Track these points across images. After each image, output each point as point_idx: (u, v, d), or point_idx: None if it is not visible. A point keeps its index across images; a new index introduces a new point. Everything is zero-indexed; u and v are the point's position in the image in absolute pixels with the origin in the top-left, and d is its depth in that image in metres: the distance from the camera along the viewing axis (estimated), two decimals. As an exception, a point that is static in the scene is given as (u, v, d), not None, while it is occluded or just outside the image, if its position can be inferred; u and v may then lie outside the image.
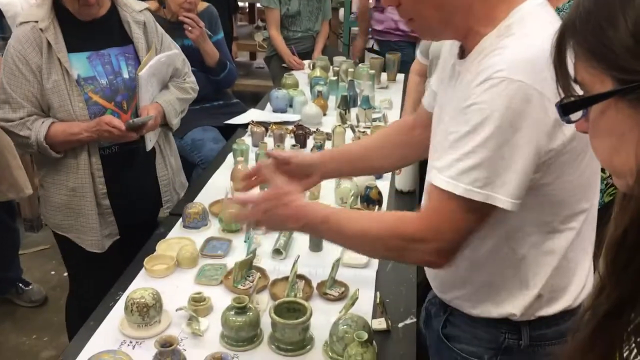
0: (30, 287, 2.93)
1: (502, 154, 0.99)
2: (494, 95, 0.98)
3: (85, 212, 1.95)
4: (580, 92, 0.67)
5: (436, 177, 1.05)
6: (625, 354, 0.62)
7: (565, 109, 0.67)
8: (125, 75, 1.96)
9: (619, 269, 0.62)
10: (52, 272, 3.14)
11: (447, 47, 1.25)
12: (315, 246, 1.78)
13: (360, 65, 3.35)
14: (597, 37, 0.62)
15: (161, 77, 2.07)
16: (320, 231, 1.22)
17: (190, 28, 2.81)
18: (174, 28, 2.81)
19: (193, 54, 2.88)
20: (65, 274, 2.34)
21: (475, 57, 1.07)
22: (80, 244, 1.99)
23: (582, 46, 0.64)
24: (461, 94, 1.06)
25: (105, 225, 2.00)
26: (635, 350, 0.61)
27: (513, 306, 1.15)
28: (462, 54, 1.15)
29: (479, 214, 1.03)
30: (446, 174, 1.03)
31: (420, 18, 1.11)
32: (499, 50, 1.01)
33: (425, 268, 1.29)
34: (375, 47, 4.16)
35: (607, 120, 0.64)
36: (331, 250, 1.76)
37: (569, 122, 0.68)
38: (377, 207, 1.95)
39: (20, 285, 2.91)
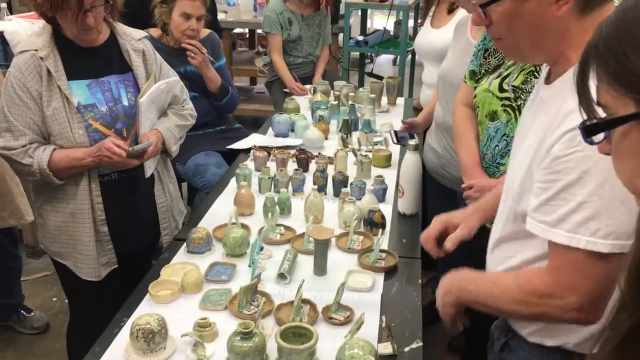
0: (32, 313, 2.91)
1: (619, 200, 0.96)
2: None
3: (83, 239, 1.95)
4: (603, 115, 0.68)
5: (552, 232, 1.03)
6: None
7: (588, 131, 0.68)
8: (125, 103, 1.98)
9: None
10: (54, 299, 3.12)
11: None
12: (320, 270, 1.77)
13: (360, 89, 3.38)
14: (620, 61, 0.63)
15: (160, 104, 2.09)
16: (474, 293, 1.25)
17: (193, 54, 2.84)
18: (177, 54, 2.85)
19: (195, 79, 2.92)
20: (67, 300, 2.34)
21: (563, 84, 1.06)
22: (76, 272, 1.99)
23: (605, 70, 0.65)
24: (547, 124, 1.05)
25: (103, 253, 2.00)
26: None
27: (571, 337, 1.14)
28: (549, 78, 1.14)
29: (609, 261, 0.99)
30: (564, 227, 1.00)
31: (511, 39, 1.10)
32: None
33: None
34: None
35: (629, 142, 0.65)
36: (336, 275, 1.75)
37: (592, 143, 0.69)
38: (380, 230, 1.95)
39: (22, 312, 2.89)
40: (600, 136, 0.68)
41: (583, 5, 1.03)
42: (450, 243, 1.47)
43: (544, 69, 1.19)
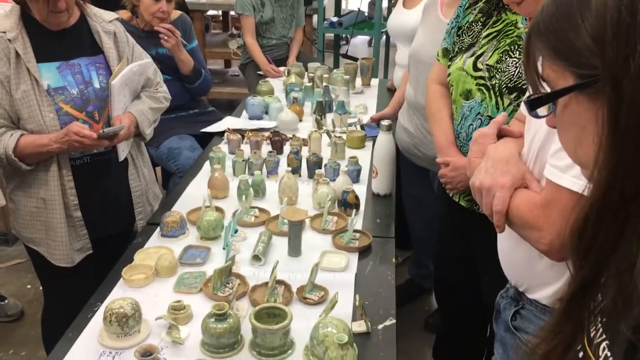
0: (6, 301, 2.88)
1: None
2: None
3: (54, 225, 1.93)
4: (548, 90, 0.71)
5: (559, 176, 1.06)
6: (592, 334, 0.65)
7: (532, 104, 0.72)
8: (97, 85, 1.95)
9: (583, 253, 0.66)
10: (29, 286, 3.09)
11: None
12: (294, 251, 1.78)
13: (334, 70, 3.38)
14: (559, 37, 0.67)
15: (133, 86, 2.07)
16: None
17: (166, 37, 2.81)
18: (148, 37, 2.81)
19: (168, 62, 2.89)
20: (41, 287, 2.31)
21: None
22: (49, 258, 1.97)
23: (546, 45, 0.69)
24: None
25: (77, 239, 1.98)
26: (600, 330, 0.64)
27: None
28: None
29: None
30: (571, 173, 1.04)
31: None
32: None
33: (502, 254, 1.33)
34: None
35: (569, 114, 0.69)
36: (310, 255, 1.76)
37: (537, 116, 0.74)
38: (354, 210, 1.96)
39: (-4, 300, 2.86)
40: (544, 110, 0.72)
41: None
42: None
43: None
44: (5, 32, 1.82)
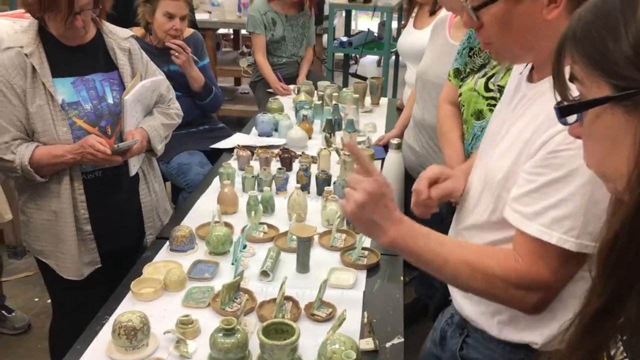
0: (14, 313, 2.89)
1: (596, 201, 0.97)
2: None
3: (65, 238, 1.95)
4: (575, 96, 0.70)
5: (526, 224, 1.03)
6: (612, 352, 0.64)
7: (563, 111, 0.70)
8: (110, 101, 1.98)
9: (609, 270, 0.64)
10: (36, 299, 3.10)
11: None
12: (303, 267, 1.78)
13: (344, 89, 3.40)
14: (597, 46, 0.65)
15: (146, 102, 2.09)
16: (416, 245, 1.08)
17: (177, 54, 2.84)
18: (160, 54, 2.84)
19: (179, 79, 2.92)
20: (49, 300, 2.32)
21: (551, 87, 1.07)
22: (58, 271, 1.98)
23: (581, 54, 0.67)
24: (538, 122, 1.05)
25: (86, 252, 1.99)
26: (621, 348, 0.64)
27: (538, 334, 1.13)
28: (531, 76, 1.15)
29: (576, 261, 1.02)
30: (539, 221, 1.02)
31: (502, 42, 1.10)
32: None
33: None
34: None
35: (601, 125, 0.66)
36: (318, 272, 1.77)
37: (565, 124, 0.71)
38: (363, 228, 1.96)
39: (3, 312, 2.87)
40: (572, 117, 0.70)
41: (573, 9, 1.04)
42: (435, 191, 1.32)
43: (525, 68, 1.21)
44: (22, 47, 1.85)
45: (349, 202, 1.07)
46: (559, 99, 0.71)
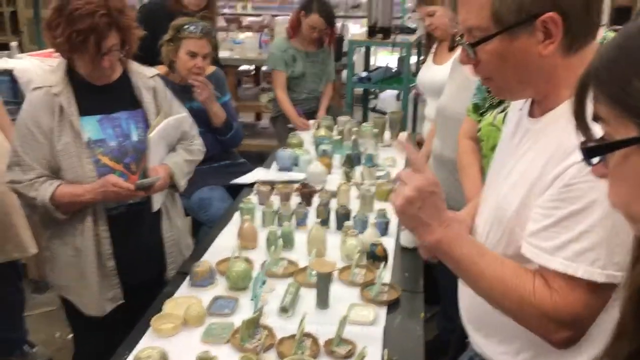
0: (36, 349, 2.90)
1: (618, 231, 0.97)
2: None
3: (87, 274, 1.97)
4: (599, 135, 0.68)
5: (547, 259, 1.03)
6: None
7: (589, 153, 0.68)
8: (134, 138, 2.02)
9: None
10: (57, 334, 3.11)
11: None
12: (322, 303, 1.78)
13: (363, 124, 3.43)
14: (622, 86, 0.63)
15: (170, 139, 2.13)
16: (460, 252, 1.09)
17: (199, 90, 2.90)
18: (182, 91, 2.90)
19: (200, 115, 2.96)
20: (70, 335, 2.33)
21: (555, 120, 1.08)
22: (80, 307, 2.00)
23: (605, 94, 0.65)
24: (547, 157, 1.06)
25: (109, 288, 2.01)
26: None
27: None
28: (532, 111, 1.16)
29: (605, 293, 1.01)
30: (561, 255, 1.01)
31: (500, 78, 1.11)
32: None
33: (466, 316, 1.30)
34: None
35: (629, 166, 0.64)
36: (338, 308, 1.76)
37: (590, 164, 0.69)
38: (382, 263, 1.96)
39: (25, 347, 2.88)
40: (597, 158, 0.68)
41: (568, 46, 1.05)
42: None
43: (525, 103, 1.21)
44: (51, 87, 1.91)
45: (398, 197, 1.08)
46: (582, 139, 0.69)
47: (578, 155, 0.96)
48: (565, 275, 1.02)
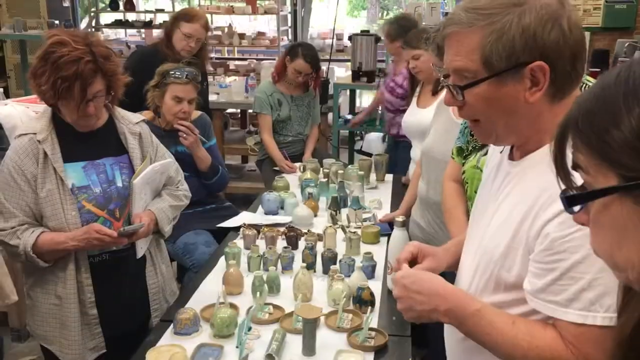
0: (14, 400, 2.82)
1: None
2: None
3: (69, 323, 1.93)
4: (579, 183, 0.68)
5: (563, 312, 1.02)
6: None
7: (570, 201, 0.68)
8: (119, 184, 2.01)
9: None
10: (37, 384, 3.03)
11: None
12: (309, 350, 1.75)
13: (349, 166, 3.44)
14: (600, 135, 0.63)
15: (155, 185, 2.13)
16: (466, 324, 1.13)
17: (185, 135, 2.91)
18: (168, 136, 2.91)
19: (186, 159, 2.97)
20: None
21: (535, 164, 1.10)
22: (61, 358, 1.95)
23: (585, 143, 0.65)
24: (531, 201, 1.07)
25: (91, 337, 1.97)
26: None
27: None
28: (511, 154, 1.18)
29: None
30: (576, 306, 1.01)
31: (487, 121, 1.12)
32: None
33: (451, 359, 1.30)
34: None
35: (610, 215, 0.64)
36: (325, 354, 1.73)
37: (572, 213, 0.69)
38: (369, 308, 1.94)
39: (4, 399, 2.80)
40: (577, 206, 0.68)
41: (553, 95, 1.08)
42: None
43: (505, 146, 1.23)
44: (35, 134, 1.91)
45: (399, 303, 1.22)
46: (563, 187, 0.70)
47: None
48: (583, 326, 1.01)
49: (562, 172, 0.70)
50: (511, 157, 1.19)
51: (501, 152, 1.23)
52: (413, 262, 1.38)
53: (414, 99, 3.20)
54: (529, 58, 1.04)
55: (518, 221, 1.10)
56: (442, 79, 1.15)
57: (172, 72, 2.89)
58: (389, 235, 2.25)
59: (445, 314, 1.14)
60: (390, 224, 2.63)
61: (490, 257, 1.15)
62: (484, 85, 1.08)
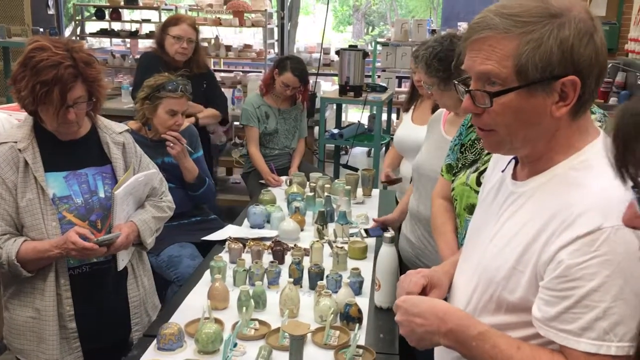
0: (-13, 416, 2.74)
1: (637, 295, 0.96)
2: (614, 245, 0.97)
3: (46, 337, 1.88)
4: None
5: (576, 341, 1.00)
6: None
7: None
8: (101, 195, 1.97)
9: None
10: (12, 400, 2.94)
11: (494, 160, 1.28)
12: (295, 368, 1.71)
13: (336, 181, 3.43)
14: None
15: (138, 195, 2.09)
16: (468, 346, 1.10)
17: (172, 144, 2.88)
18: (155, 146, 2.88)
19: (173, 170, 2.94)
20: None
21: (543, 185, 1.09)
22: None
23: None
24: (540, 223, 1.05)
25: (69, 352, 1.92)
26: None
27: None
28: (515, 173, 1.16)
29: None
30: (589, 335, 0.98)
31: (506, 132, 1.09)
32: (583, 190, 1.02)
33: None
34: None
35: None
36: (311, 372, 1.70)
37: None
38: (357, 324, 1.91)
39: (-23, 415, 2.72)
40: None
41: (576, 111, 1.07)
42: None
43: (507, 165, 1.21)
44: (16, 142, 1.86)
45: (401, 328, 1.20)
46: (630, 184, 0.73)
47: (585, 225, 0.96)
48: (598, 356, 0.98)
49: (629, 177, 0.73)
50: (514, 177, 1.17)
51: (503, 171, 1.22)
52: (421, 293, 1.35)
53: (409, 114, 3.19)
54: (563, 71, 1.03)
55: (525, 243, 1.08)
56: (457, 84, 1.13)
57: (167, 86, 2.87)
58: (379, 237, 2.24)
59: (446, 335, 1.12)
60: (382, 228, 2.63)
61: (492, 278, 1.13)
62: (513, 94, 1.05)
